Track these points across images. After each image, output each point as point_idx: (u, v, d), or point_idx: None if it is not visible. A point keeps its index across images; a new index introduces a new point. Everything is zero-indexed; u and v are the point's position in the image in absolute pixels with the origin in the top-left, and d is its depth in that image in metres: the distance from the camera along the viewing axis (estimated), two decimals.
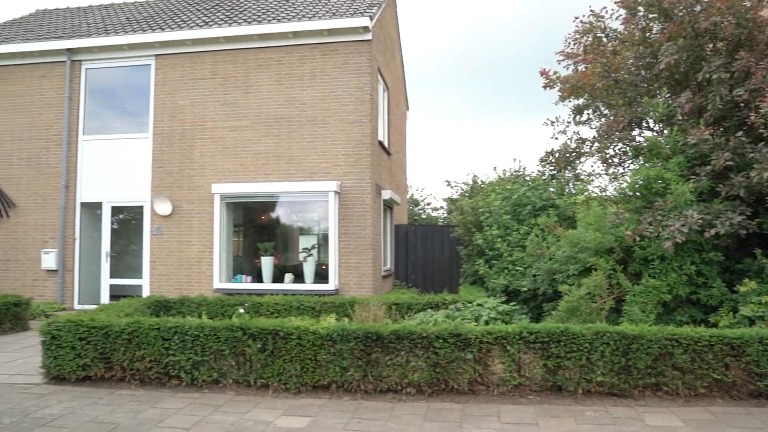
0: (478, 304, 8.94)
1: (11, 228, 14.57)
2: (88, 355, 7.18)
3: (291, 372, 6.79)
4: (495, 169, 27.73)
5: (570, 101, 13.48)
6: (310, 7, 14.11)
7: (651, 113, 9.67)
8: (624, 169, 13.00)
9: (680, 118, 9.24)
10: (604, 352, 6.56)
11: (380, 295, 11.96)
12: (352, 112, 12.63)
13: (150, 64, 13.96)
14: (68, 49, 14.20)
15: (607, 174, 12.59)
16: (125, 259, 14.26)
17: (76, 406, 6.31)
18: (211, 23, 13.73)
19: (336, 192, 12.35)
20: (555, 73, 12.57)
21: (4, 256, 14.59)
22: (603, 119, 13.40)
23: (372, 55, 12.83)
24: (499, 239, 11.26)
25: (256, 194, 13.02)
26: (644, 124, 11.65)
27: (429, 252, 15.56)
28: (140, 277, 13.60)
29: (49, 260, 14.07)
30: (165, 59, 13.82)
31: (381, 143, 14.11)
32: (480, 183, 24.72)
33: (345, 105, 12.67)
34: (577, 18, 12.75)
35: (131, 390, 6.96)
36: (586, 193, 11.71)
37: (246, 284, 12.81)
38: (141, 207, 13.80)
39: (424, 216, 29.76)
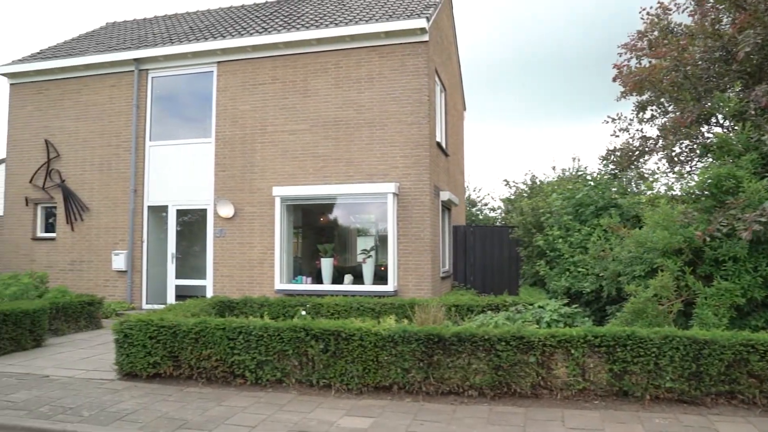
0: (540, 307, 8.78)
1: (85, 231, 15.27)
2: (158, 354, 7.45)
3: (353, 373, 6.85)
4: (554, 168, 27.23)
5: (633, 96, 13.12)
6: (367, 10, 14.22)
7: (721, 108, 9.29)
8: (691, 167, 12.56)
9: (753, 113, 8.84)
10: (674, 358, 6.34)
11: (439, 296, 11.93)
12: (410, 113, 12.64)
13: (212, 71, 14.36)
14: (136, 59, 14.78)
15: (672, 172, 12.18)
16: (190, 260, 14.71)
17: (148, 402, 6.56)
18: (270, 29, 14.02)
19: (394, 194, 12.38)
20: (627, 65, 12.25)
21: (79, 257, 15.30)
22: (668, 116, 12.98)
23: (429, 57, 12.81)
24: (561, 240, 11.04)
25: (315, 197, 13.21)
26: (713, 121, 11.21)
27: (488, 253, 15.41)
28: (204, 278, 14.00)
29: (119, 261, 14.67)
30: (226, 66, 14.20)
31: (439, 144, 14.07)
32: (539, 183, 24.33)
33: (403, 107, 12.70)
34: (643, 9, 12.38)
35: (198, 388, 7.18)
36: (650, 192, 11.35)
37: (306, 285, 13.01)
38: (204, 210, 14.21)
39: (481, 217, 29.49)
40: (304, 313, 9.84)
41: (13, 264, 15.68)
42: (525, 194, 25.17)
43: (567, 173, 26.29)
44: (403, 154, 12.64)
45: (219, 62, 14.24)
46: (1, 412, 6.28)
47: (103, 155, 15.23)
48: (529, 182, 26.61)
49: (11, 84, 16.50)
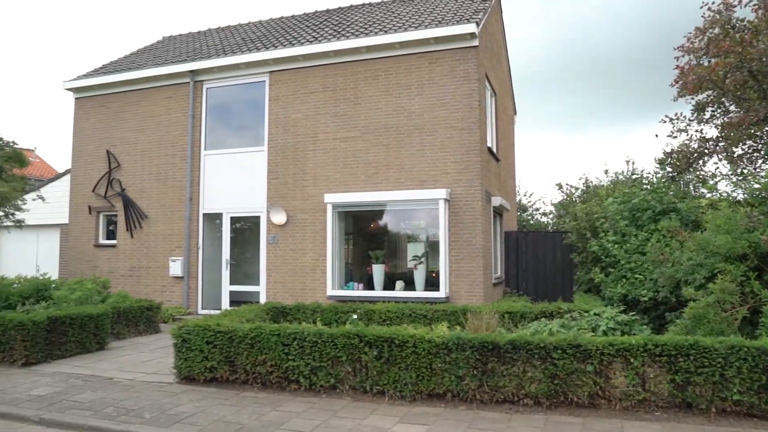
0: (595, 314, 8.58)
1: (143, 238, 15.77)
2: (215, 358, 7.62)
3: (406, 380, 6.84)
4: (606, 172, 26.61)
5: (690, 97, 12.71)
6: (416, 17, 14.25)
7: None
8: (755, 168, 12.07)
9: None
10: (741, 369, 6.08)
11: (492, 303, 11.80)
12: (461, 119, 12.58)
13: (264, 81, 14.65)
14: (191, 71, 15.21)
15: (734, 174, 11.74)
16: (243, 266, 15.00)
17: (206, 406, 6.71)
18: (320, 38, 14.21)
19: (446, 200, 12.34)
20: (689, 65, 11.88)
21: (138, 263, 15.81)
22: (729, 116, 12.52)
23: (479, 61, 12.73)
24: (616, 245, 10.77)
25: (366, 203, 13.28)
26: None
27: (540, 259, 15.16)
28: (257, 284, 14.25)
29: (175, 267, 15.08)
30: (278, 75, 14.45)
31: (490, 149, 13.95)
32: (592, 187, 23.82)
33: (453, 112, 12.65)
34: (705, 4, 11.99)
35: (254, 392, 7.30)
36: (710, 194, 10.94)
37: (358, 291, 13.07)
38: (258, 217, 14.47)
39: (532, 222, 29.07)
40: (355, 318, 9.89)
41: (78, 270, 16.32)
42: (578, 198, 24.71)
43: (621, 177, 25.71)
44: (454, 160, 12.58)
45: (271, 72, 14.51)
46: (69, 411, 6.54)
47: (160, 164, 15.72)
48: (582, 186, 26.09)
49: (76, 98, 17.22)
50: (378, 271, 13.10)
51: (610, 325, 8.07)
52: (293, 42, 14.49)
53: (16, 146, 13.04)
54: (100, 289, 13.04)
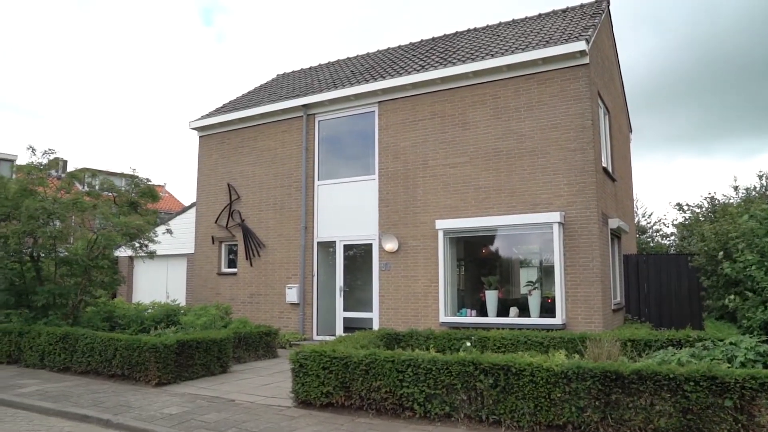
0: (731, 343, 7.87)
1: (262, 266, 16.49)
2: (331, 383, 7.74)
3: (524, 410, 6.59)
4: (736, 188, 24.68)
5: None
6: (523, 38, 14.08)
7: None
8: None
9: None
10: None
11: (611, 330, 11.18)
12: (573, 139, 12.19)
13: (374, 111, 15.00)
14: (304, 105, 15.89)
15: None
16: (356, 293, 15.26)
17: (321, 430, 6.81)
18: (427, 66, 14.37)
19: (560, 223, 11.94)
20: None
21: (257, 290, 16.54)
22: None
23: (590, 79, 12.33)
24: (754, 267, 9.87)
25: (477, 228, 13.13)
26: None
27: (663, 283, 14.22)
28: (370, 310, 14.42)
29: (292, 294, 15.61)
30: (387, 105, 14.74)
31: (605, 169, 13.38)
32: (719, 205, 22.18)
33: (565, 133, 12.29)
34: None
35: (368, 418, 7.33)
36: None
37: (471, 318, 12.88)
38: (370, 244, 14.71)
39: (652, 244, 27.46)
40: (469, 345, 9.72)
41: (203, 296, 17.33)
42: (703, 218, 23.08)
43: (753, 193, 23.73)
44: (568, 182, 12.18)
45: (380, 102, 14.83)
46: (197, 431, 6.87)
47: (276, 195, 16.44)
48: (707, 205, 24.39)
49: (200, 137, 18.49)
50: (491, 297, 12.85)
51: (750, 356, 7.36)
52: (401, 72, 14.76)
53: (150, 182, 14.15)
54: (223, 315, 13.74)
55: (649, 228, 28.70)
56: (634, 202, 21.85)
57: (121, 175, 14.14)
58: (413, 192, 14.07)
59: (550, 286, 12.17)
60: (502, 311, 12.74)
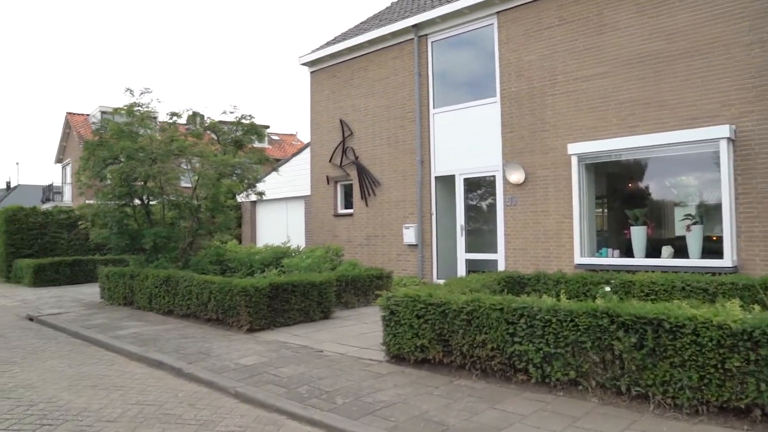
0: None
1: (377, 205, 15.30)
2: (426, 336, 6.28)
3: (682, 382, 4.66)
4: None
5: None
6: None
7: None
8: None
9: None
10: None
11: None
12: (747, 30, 9.41)
13: (492, 24, 12.92)
14: (414, 26, 14.14)
15: None
16: (479, 232, 13.62)
17: (409, 394, 5.42)
18: None
19: (729, 139, 9.36)
20: None
21: (373, 232, 15.43)
22: None
23: None
24: None
25: (619, 151, 10.83)
26: None
27: None
28: (495, 251, 12.74)
29: (409, 235, 14.30)
30: (507, 15, 12.59)
31: None
32: None
33: (732, 24, 9.53)
34: None
35: (471, 381, 5.80)
36: None
37: (612, 259, 10.76)
38: (493, 177, 12.92)
39: None
40: (608, 290, 7.80)
41: (320, 239, 16.58)
42: None
43: None
44: (739, 87, 9.49)
45: (498, 12, 12.70)
46: (265, 386, 5.80)
47: (390, 128, 15.04)
48: None
49: (311, 72, 17.46)
50: (638, 233, 10.61)
51: None
52: None
53: (252, 119, 13.30)
54: (333, 257, 12.76)
55: None
56: None
57: (232, 123, 13.33)
58: (541, 113, 11.97)
59: (716, 220, 9.71)
60: (652, 251, 10.48)
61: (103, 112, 27.08)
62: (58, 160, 38.21)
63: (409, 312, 6.40)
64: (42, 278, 17.09)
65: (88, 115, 33.77)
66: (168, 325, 9.64)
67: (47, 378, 6.59)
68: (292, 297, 9.35)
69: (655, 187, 11.24)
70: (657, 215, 11.09)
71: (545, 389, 5.38)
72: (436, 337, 6.19)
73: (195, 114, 12.48)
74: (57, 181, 38.71)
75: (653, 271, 8.77)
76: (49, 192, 38.21)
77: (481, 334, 5.80)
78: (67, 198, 35.62)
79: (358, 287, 11.43)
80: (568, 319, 5.27)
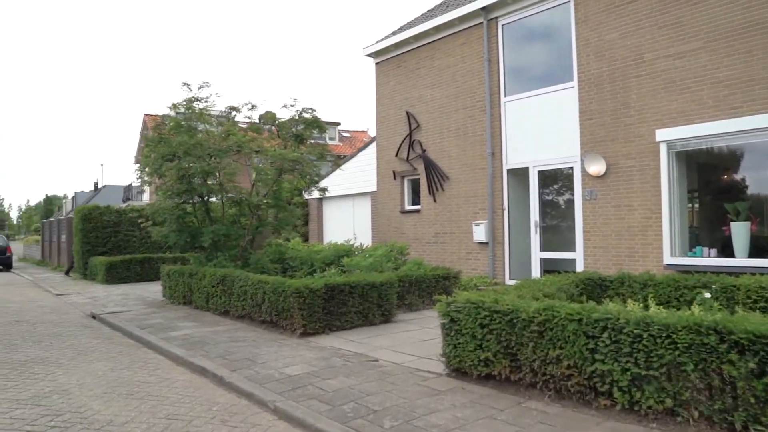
0: None
1: (445, 201, 14.50)
2: (490, 348, 5.45)
3: None
4: None
5: None
6: None
7: None
8: None
9: None
10: None
11: None
12: None
13: (568, 1, 11.83)
14: (483, 8, 13.23)
15: None
16: (555, 229, 12.58)
17: (468, 418, 4.63)
18: None
19: None
20: None
21: (441, 229, 14.63)
22: None
23: None
24: None
25: (716, 137, 9.56)
26: None
27: None
28: (572, 250, 11.68)
29: (479, 232, 13.43)
30: None
31: None
32: None
33: None
34: None
35: (543, 403, 4.93)
36: None
37: (708, 259, 9.53)
38: (570, 168, 11.85)
39: None
40: (708, 295, 6.69)
41: (387, 236, 15.93)
42: None
43: None
44: None
45: None
46: (306, 402, 5.16)
47: (458, 119, 14.19)
48: None
49: (376, 63, 16.84)
50: (740, 230, 9.32)
51: None
52: None
53: (314, 112, 12.78)
54: (397, 256, 12.08)
55: None
56: None
57: (294, 120, 12.82)
58: (624, 97, 10.81)
59: None
60: (757, 251, 9.18)
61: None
62: (137, 161, 39.54)
63: (472, 320, 5.60)
64: (113, 276, 17.33)
65: (162, 115, 34.60)
66: (221, 327, 9.24)
67: (85, 383, 6.23)
68: (349, 299, 8.71)
69: (758, 177, 9.86)
70: (760, 210, 9.72)
71: (634, 418, 4.44)
72: (502, 350, 5.36)
73: (253, 107, 12.06)
74: (137, 181, 40.04)
75: (761, 274, 7.54)
76: (130, 191, 39.60)
77: (556, 349, 4.93)
78: (146, 197, 36.74)
79: (423, 288, 10.69)
80: (664, 335, 4.32)
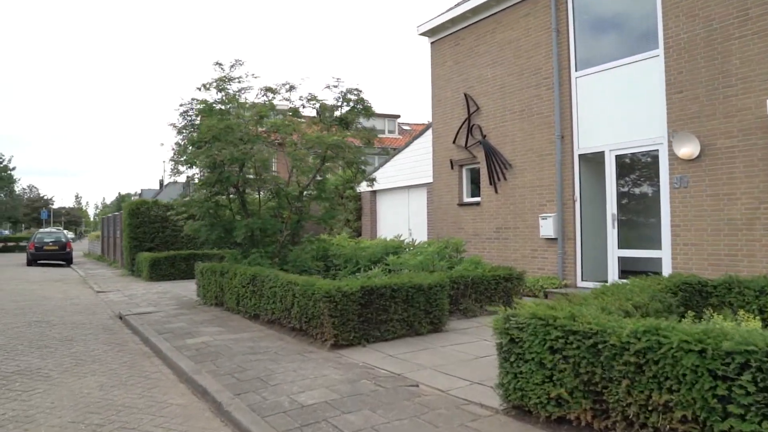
0: None
1: (508, 192, 12.94)
2: (565, 383, 3.98)
3: None
4: None
5: None
6: None
7: None
8: None
9: None
10: None
11: None
12: None
13: None
14: None
15: None
16: (636, 223, 10.86)
17: None
18: None
19: None
20: None
21: (503, 223, 13.08)
22: None
23: None
24: None
25: None
26: None
27: None
28: (658, 247, 9.94)
29: (547, 227, 11.83)
30: None
31: None
32: None
33: None
34: None
35: None
36: None
37: None
38: (655, 152, 10.11)
39: None
40: None
41: (443, 232, 14.52)
42: None
43: None
44: None
45: None
46: None
47: (522, 99, 12.59)
48: None
49: (431, 43, 15.44)
50: None
51: None
52: None
53: (360, 93, 11.46)
54: (451, 254, 10.64)
55: None
56: None
57: (337, 104, 11.56)
58: (723, 63, 8.99)
59: None
60: None
61: None
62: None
63: (539, 342, 4.13)
64: (157, 272, 16.63)
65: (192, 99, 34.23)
66: (246, 334, 8.07)
67: (58, 406, 5.14)
68: (391, 304, 7.36)
69: None
70: None
71: None
72: (582, 386, 3.87)
73: (292, 87, 10.85)
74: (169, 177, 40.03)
75: None
76: (188, 187, 39.58)
77: (663, 392, 3.40)
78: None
79: (481, 291, 9.23)
80: None
